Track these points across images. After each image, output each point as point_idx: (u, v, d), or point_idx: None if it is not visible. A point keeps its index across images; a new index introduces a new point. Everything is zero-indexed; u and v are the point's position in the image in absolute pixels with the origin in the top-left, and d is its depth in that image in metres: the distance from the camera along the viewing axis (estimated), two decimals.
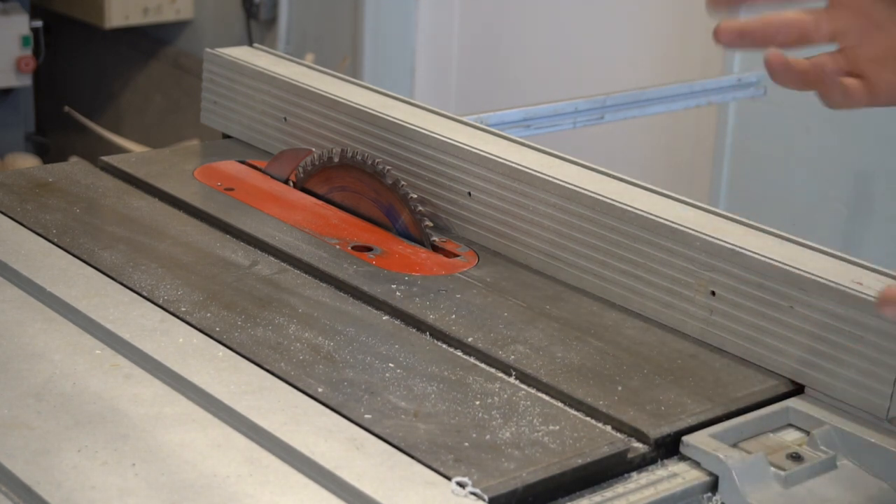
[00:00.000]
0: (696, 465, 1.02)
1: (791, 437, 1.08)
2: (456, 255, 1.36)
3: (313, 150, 1.52)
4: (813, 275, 1.12)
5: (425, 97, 3.30)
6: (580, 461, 0.99)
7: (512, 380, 1.12)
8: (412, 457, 0.97)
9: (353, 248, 1.35)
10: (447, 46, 3.34)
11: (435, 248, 1.38)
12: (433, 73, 3.38)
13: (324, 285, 1.27)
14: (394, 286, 1.26)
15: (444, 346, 1.17)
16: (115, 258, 1.28)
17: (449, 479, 0.94)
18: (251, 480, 0.94)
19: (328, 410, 1.03)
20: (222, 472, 0.95)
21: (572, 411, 1.07)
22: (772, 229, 1.23)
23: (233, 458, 0.97)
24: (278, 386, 1.06)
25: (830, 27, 1.01)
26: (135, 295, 1.20)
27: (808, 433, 1.07)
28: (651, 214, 1.24)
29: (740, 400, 1.10)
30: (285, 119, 1.59)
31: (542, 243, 1.32)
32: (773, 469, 1.02)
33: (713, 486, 1.01)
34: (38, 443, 0.96)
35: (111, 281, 1.22)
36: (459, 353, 1.16)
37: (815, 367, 1.11)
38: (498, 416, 1.05)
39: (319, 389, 1.06)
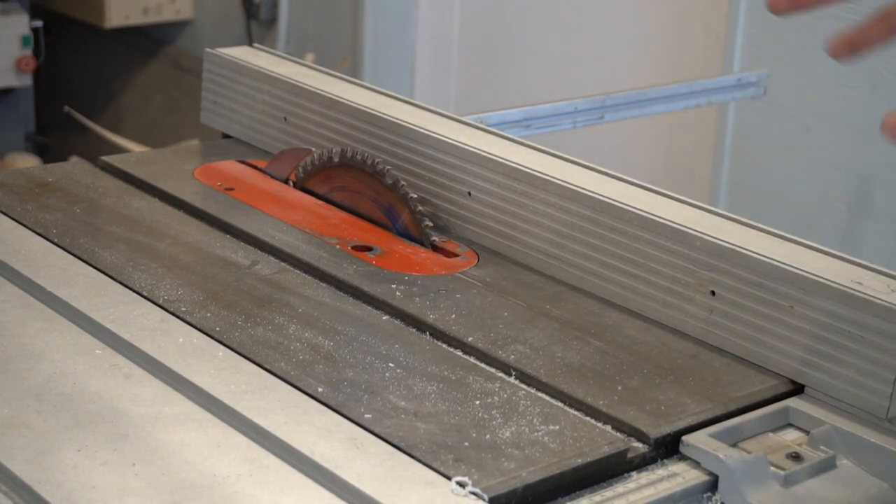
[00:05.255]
0: (696, 464, 1.02)
1: (791, 436, 1.08)
2: (456, 255, 1.36)
3: (313, 149, 1.52)
4: (813, 275, 1.12)
5: (425, 97, 3.30)
6: (580, 461, 0.99)
7: (512, 380, 1.12)
8: (412, 456, 0.97)
9: (353, 248, 1.35)
10: (447, 46, 3.34)
11: (435, 248, 1.38)
12: (433, 73, 3.37)
13: (324, 285, 1.27)
14: (394, 286, 1.26)
15: (444, 346, 1.17)
16: (115, 258, 1.28)
17: (449, 478, 0.94)
18: (251, 480, 0.94)
19: (328, 410, 1.03)
20: (222, 472, 0.95)
21: (572, 411, 1.07)
22: (772, 229, 1.23)
23: (233, 458, 0.97)
24: (278, 386, 1.06)
25: None
26: (135, 295, 1.20)
27: (807, 433, 1.07)
28: (651, 214, 1.24)
29: (740, 400, 1.10)
30: (285, 119, 1.59)
31: (542, 243, 1.32)
32: (772, 469, 1.02)
33: (713, 485, 1.01)
34: (38, 443, 0.96)
35: (111, 281, 1.22)
36: (459, 353, 1.16)
37: (815, 367, 1.11)
38: (498, 415, 1.05)
39: (319, 389, 1.06)
